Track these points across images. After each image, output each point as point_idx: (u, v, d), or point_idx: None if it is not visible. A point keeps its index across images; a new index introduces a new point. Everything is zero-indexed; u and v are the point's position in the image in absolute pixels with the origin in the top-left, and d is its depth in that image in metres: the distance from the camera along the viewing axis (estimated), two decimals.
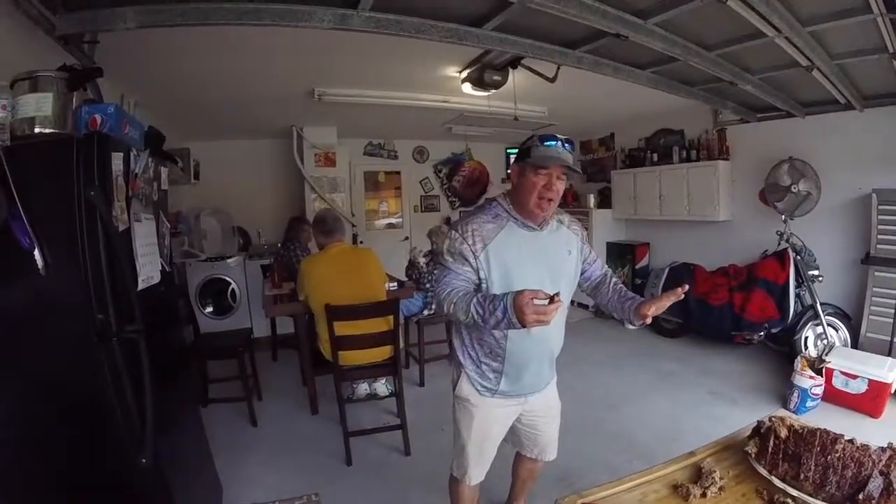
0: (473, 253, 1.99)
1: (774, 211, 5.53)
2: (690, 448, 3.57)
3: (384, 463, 3.63)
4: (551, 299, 1.66)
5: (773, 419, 1.64)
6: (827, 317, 5.00)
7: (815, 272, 5.18)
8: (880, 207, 4.75)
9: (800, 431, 1.51)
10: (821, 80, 4.18)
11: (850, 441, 1.46)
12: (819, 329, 5.03)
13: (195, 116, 5.50)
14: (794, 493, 1.37)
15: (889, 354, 4.53)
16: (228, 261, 6.29)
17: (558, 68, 3.99)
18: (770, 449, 1.48)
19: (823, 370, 4.37)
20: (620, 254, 7.40)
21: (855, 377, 4.27)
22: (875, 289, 4.83)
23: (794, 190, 5.30)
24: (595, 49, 3.63)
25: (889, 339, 4.69)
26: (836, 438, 1.46)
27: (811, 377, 4.30)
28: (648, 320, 2.09)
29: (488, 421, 2.29)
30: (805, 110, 5.36)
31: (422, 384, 4.93)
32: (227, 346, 4.34)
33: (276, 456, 3.74)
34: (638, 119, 6.96)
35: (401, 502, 3.20)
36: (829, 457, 1.40)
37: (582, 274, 2.32)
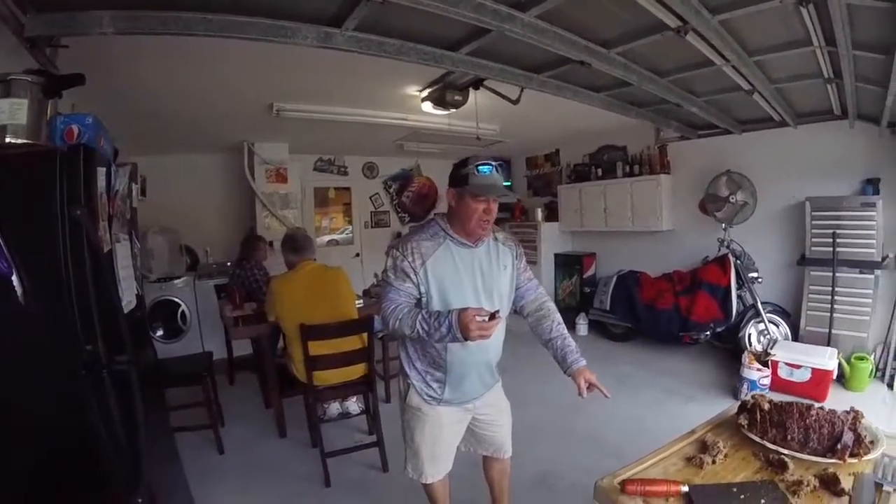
0: (414, 269, 2.03)
1: (714, 220, 5.82)
2: (657, 444, 3.73)
3: (363, 481, 3.50)
4: (492, 316, 1.81)
5: (755, 396, 1.84)
6: (768, 314, 5.29)
7: (755, 274, 5.45)
8: (813, 214, 5.05)
9: (779, 404, 1.74)
10: (760, 102, 4.41)
11: (821, 408, 1.69)
12: (761, 326, 5.31)
13: (145, 129, 5.16)
14: (786, 451, 1.57)
15: (828, 345, 4.82)
16: (177, 281, 5.95)
17: (522, 91, 3.99)
18: (758, 420, 1.70)
19: (769, 362, 4.61)
20: (568, 264, 7.55)
21: (798, 367, 4.55)
22: (811, 287, 5.13)
23: (732, 200, 5.60)
24: (558, 74, 3.73)
25: (827, 331, 4.98)
26: (810, 407, 1.69)
27: (759, 369, 4.55)
28: (582, 388, 2.12)
29: (439, 426, 2.31)
30: (742, 127, 5.68)
31: (388, 400, 4.76)
32: (191, 372, 4.01)
33: (251, 483, 3.53)
34: (582, 136, 7.13)
35: None
36: (807, 420, 1.63)
37: (517, 290, 2.35)
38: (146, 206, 5.92)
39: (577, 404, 4.52)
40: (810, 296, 5.12)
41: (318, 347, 3.39)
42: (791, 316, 5.33)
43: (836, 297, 4.92)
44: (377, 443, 3.59)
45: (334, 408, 4.21)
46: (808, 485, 1.40)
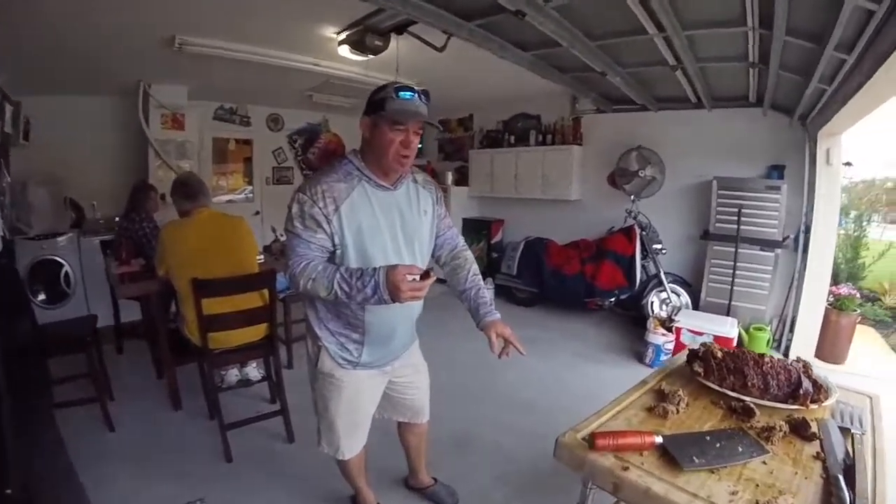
0: (326, 216, 1.74)
1: (621, 192, 5.92)
2: (576, 400, 3.71)
3: (268, 454, 3.13)
4: (425, 274, 1.60)
5: (705, 345, 1.79)
6: (670, 284, 5.45)
7: (659, 246, 5.60)
8: (720, 192, 5.24)
9: (731, 352, 1.70)
10: (681, 80, 4.46)
11: (771, 357, 1.67)
12: (663, 295, 5.47)
13: (36, 66, 4.42)
14: (748, 398, 1.52)
15: (727, 315, 5.08)
16: (60, 239, 5.13)
17: (448, 38, 3.70)
18: (714, 368, 1.64)
19: (673, 329, 4.74)
20: (476, 229, 7.44)
21: (701, 334, 4.67)
22: (713, 260, 5.33)
23: (641, 174, 5.72)
24: (488, 24, 3.48)
25: (726, 302, 5.22)
26: (762, 355, 1.66)
27: (663, 335, 4.67)
28: (494, 344, 1.93)
29: (356, 393, 2.09)
30: (658, 105, 5.74)
31: (290, 366, 4.34)
32: (74, 338, 3.37)
33: (146, 463, 3.03)
34: (497, 102, 7.02)
35: (295, 493, 2.80)
36: (764, 367, 1.60)
37: (436, 238, 2.14)
38: (29, 151, 5.09)
39: (490, 364, 4.40)
40: (712, 269, 5.33)
41: (213, 305, 2.92)
42: (692, 286, 5.51)
43: (737, 272, 5.15)
44: (281, 411, 3.25)
45: (232, 375, 3.82)
46: (779, 430, 1.37)
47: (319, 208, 1.73)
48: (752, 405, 1.49)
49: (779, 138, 5.14)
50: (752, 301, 5.15)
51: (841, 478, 1.18)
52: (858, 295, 5.21)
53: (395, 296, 1.58)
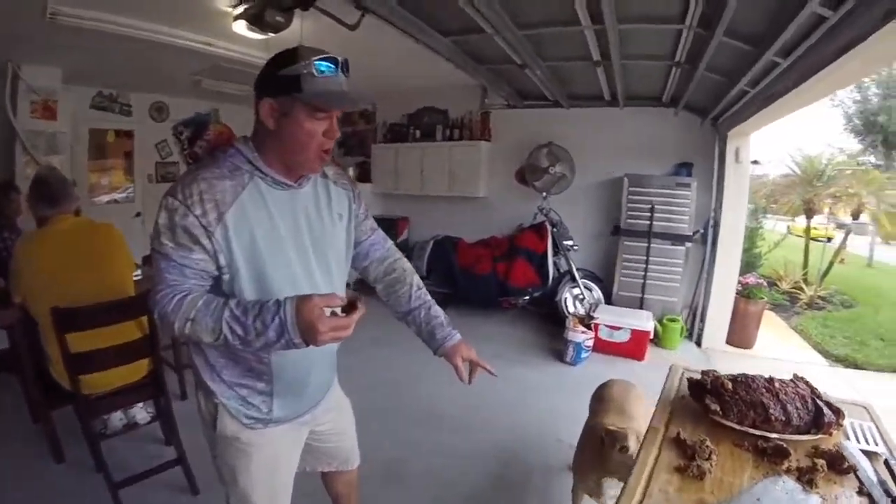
0: (205, 227, 1.22)
1: (530, 189, 5.81)
2: (500, 413, 3.44)
3: None
4: (352, 305, 1.15)
5: (710, 374, 1.57)
6: (582, 280, 5.39)
7: (570, 242, 5.53)
8: (630, 189, 5.29)
9: (738, 379, 1.49)
10: (600, 77, 4.41)
11: (780, 380, 1.49)
12: (576, 291, 5.41)
13: None
14: (773, 435, 1.34)
15: (640, 308, 5.17)
16: None
17: (363, 15, 3.30)
18: (731, 402, 1.43)
19: (592, 325, 4.69)
20: (383, 228, 6.91)
21: (619, 328, 4.71)
22: (624, 255, 5.38)
23: (551, 171, 5.63)
24: (407, 2, 3.18)
25: (639, 295, 5.30)
26: (771, 379, 1.48)
27: (583, 332, 4.59)
28: (462, 372, 1.57)
29: (273, 457, 1.56)
30: (571, 102, 5.67)
31: (183, 396, 3.53)
32: None
33: None
34: (403, 95, 6.67)
35: None
36: (780, 395, 1.41)
37: (356, 246, 1.63)
38: None
39: (404, 382, 4.10)
40: (623, 264, 5.37)
41: (81, 341, 2.27)
42: (603, 281, 5.50)
43: (649, 266, 5.23)
44: (178, 460, 2.62)
45: (116, 419, 3.05)
46: (820, 469, 1.20)
47: (196, 217, 1.20)
48: (783, 444, 1.29)
49: (688, 137, 5.28)
50: (664, 293, 5.24)
51: None
52: (766, 284, 5.54)
53: (309, 338, 1.12)
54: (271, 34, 3.50)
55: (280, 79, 1.23)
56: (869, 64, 2.66)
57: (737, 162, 4.97)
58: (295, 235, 1.36)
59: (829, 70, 2.50)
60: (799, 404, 1.38)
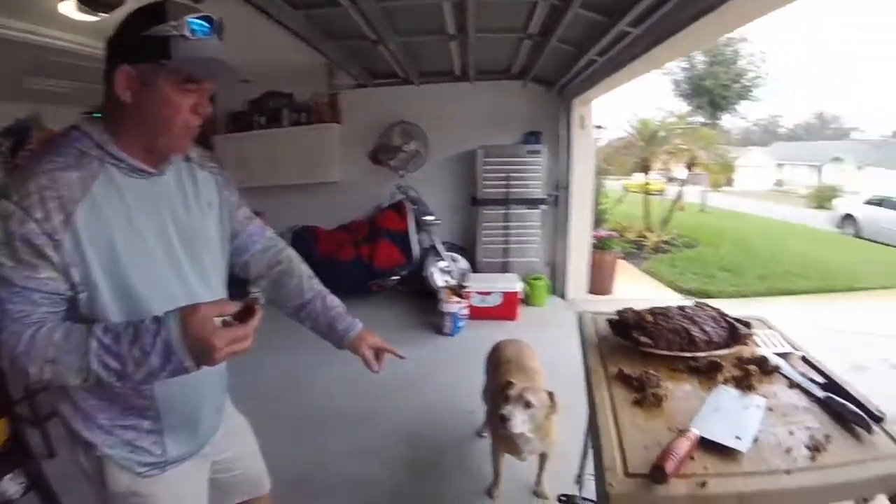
0: (50, 235, 0.92)
1: (385, 168, 5.77)
2: (395, 397, 3.43)
3: None
4: (247, 311, 0.96)
5: (627, 311, 1.59)
6: (447, 252, 5.47)
7: (431, 217, 5.54)
8: (485, 160, 5.45)
9: (656, 312, 1.56)
10: (453, 52, 4.42)
11: (688, 306, 1.60)
12: (442, 264, 5.47)
13: None
14: (702, 354, 1.42)
15: (505, 271, 5.38)
16: None
17: None
18: (655, 333, 1.48)
19: (464, 294, 4.80)
20: None
21: (489, 293, 4.88)
22: (484, 223, 5.56)
23: (405, 149, 5.65)
24: None
25: (502, 259, 5.50)
26: (682, 307, 1.58)
27: (457, 302, 4.68)
28: (371, 361, 1.43)
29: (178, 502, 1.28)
30: (422, 79, 5.64)
31: (51, 454, 2.81)
32: None
33: None
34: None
35: None
36: (695, 319, 1.51)
37: (233, 239, 1.38)
38: None
39: (291, 383, 3.87)
40: (484, 232, 5.54)
41: None
42: (467, 251, 5.62)
43: (509, 231, 5.44)
44: None
45: None
46: (754, 374, 1.30)
47: (36, 222, 0.91)
48: (715, 360, 1.38)
49: (535, 107, 5.55)
50: (526, 255, 5.49)
51: (835, 396, 1.16)
52: (617, 235, 5.99)
53: (203, 358, 0.92)
54: (104, 15, 3.07)
55: (142, 41, 0.97)
56: (721, 28, 2.88)
57: (582, 128, 5.33)
58: (161, 234, 1.10)
59: (680, 36, 2.65)
60: (713, 324, 1.49)
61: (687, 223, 11.41)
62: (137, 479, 1.16)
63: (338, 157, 6.06)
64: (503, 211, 5.43)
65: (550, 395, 2.12)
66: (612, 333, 1.58)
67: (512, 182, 5.34)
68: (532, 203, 5.42)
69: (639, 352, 1.46)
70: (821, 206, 18.05)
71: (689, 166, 10.80)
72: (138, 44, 0.97)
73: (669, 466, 0.90)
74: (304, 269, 1.47)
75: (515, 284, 4.96)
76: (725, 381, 1.30)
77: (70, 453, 1.19)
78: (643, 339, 1.45)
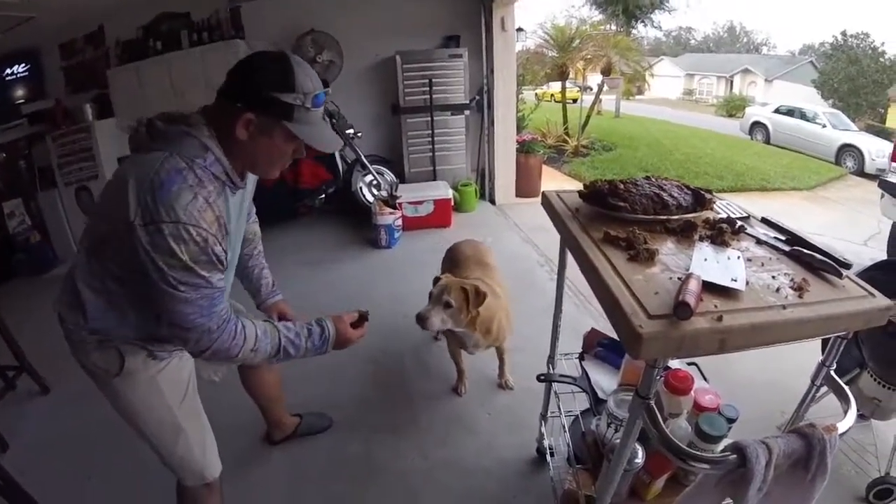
0: (224, 249, 1.22)
1: None
2: (370, 304, 3.53)
3: None
4: (361, 318, 1.57)
5: (594, 183, 1.64)
6: (373, 166, 5.34)
7: (352, 130, 5.33)
8: (405, 66, 5.34)
9: (626, 181, 1.62)
10: None
11: (652, 175, 1.67)
12: (369, 178, 5.38)
13: None
14: (675, 217, 1.48)
15: (435, 180, 5.50)
16: None
17: None
18: (630, 199, 1.54)
19: (397, 205, 4.85)
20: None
21: (421, 202, 4.97)
22: (409, 132, 5.54)
23: (318, 60, 5.39)
24: None
25: (431, 168, 5.60)
26: (648, 177, 1.65)
27: (390, 213, 4.72)
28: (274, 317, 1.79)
29: (179, 375, 1.54)
30: None
31: (4, 446, 2.70)
32: None
33: None
34: (131, 5, 5.69)
35: None
36: (663, 186, 1.57)
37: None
38: None
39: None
40: (409, 141, 5.51)
41: None
42: (393, 163, 5.56)
43: (435, 138, 5.45)
44: None
45: None
46: (726, 230, 1.37)
47: (220, 244, 1.19)
48: (689, 220, 1.44)
49: (453, 10, 5.47)
50: (453, 162, 5.55)
51: (802, 249, 1.22)
52: (540, 139, 6.24)
53: (339, 348, 1.48)
54: None
55: (270, 100, 1.18)
56: None
57: (503, 30, 5.31)
58: (237, 233, 1.43)
59: None
60: (678, 191, 1.55)
61: (603, 128, 11.88)
62: (150, 361, 1.43)
63: None
64: (427, 118, 5.38)
65: (475, 289, 2.20)
66: (586, 204, 1.62)
67: (434, 88, 5.28)
68: (456, 109, 5.40)
69: (614, 218, 1.50)
70: (731, 115, 19.06)
71: (605, 72, 11.16)
72: (266, 101, 1.18)
73: (690, 300, 0.96)
74: (259, 245, 1.86)
75: (446, 191, 5.01)
76: (701, 239, 1.36)
77: (80, 360, 1.42)
78: (621, 203, 1.51)
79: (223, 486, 1.73)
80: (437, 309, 2.13)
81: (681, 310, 0.95)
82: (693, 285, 1.01)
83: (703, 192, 1.56)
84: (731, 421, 1.31)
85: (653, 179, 1.61)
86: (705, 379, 1.69)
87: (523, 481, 2.23)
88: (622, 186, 1.55)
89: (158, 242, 1.10)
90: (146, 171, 1.13)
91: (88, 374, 1.42)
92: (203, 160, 1.19)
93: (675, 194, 1.53)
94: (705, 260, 1.20)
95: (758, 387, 2.51)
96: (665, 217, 1.47)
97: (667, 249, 1.31)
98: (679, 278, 1.10)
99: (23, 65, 5.88)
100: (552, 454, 2.09)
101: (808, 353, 1.51)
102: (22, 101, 5.90)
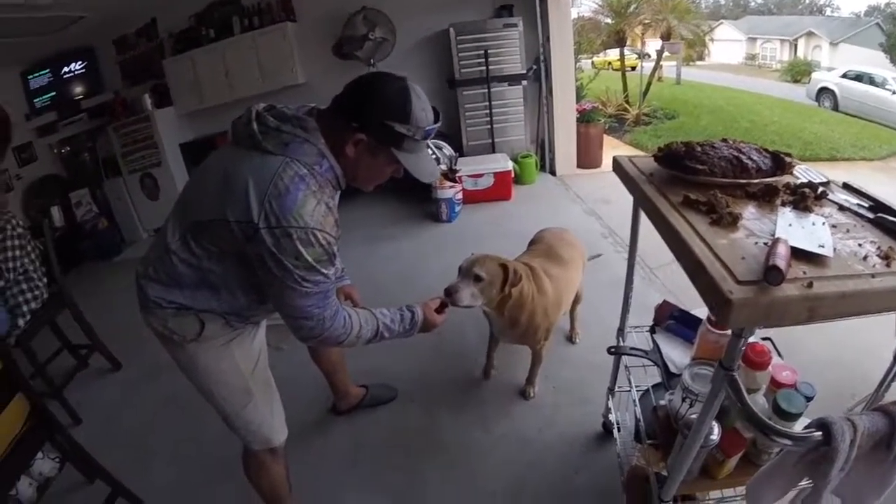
0: (337, 248, 1.37)
1: (352, 61, 5.55)
2: (396, 289, 3.63)
3: None
4: (443, 304, 1.79)
5: (669, 145, 1.59)
6: (432, 140, 5.39)
7: None
8: (459, 38, 5.29)
9: (703, 143, 1.56)
10: None
11: (730, 138, 1.60)
12: (427, 152, 5.41)
13: None
14: (755, 181, 1.43)
15: (493, 152, 5.45)
16: None
17: None
18: (708, 162, 1.49)
19: (457, 178, 4.85)
20: (200, 152, 5.96)
21: (481, 175, 4.95)
22: (466, 105, 5.51)
23: (371, 37, 5.41)
24: None
25: (489, 140, 5.55)
26: (724, 139, 1.58)
27: (451, 187, 4.74)
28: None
29: (252, 343, 1.65)
30: None
31: (77, 420, 2.93)
32: None
33: None
34: None
35: None
36: (742, 149, 1.50)
37: None
38: None
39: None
40: (467, 114, 5.49)
41: None
42: (450, 137, 5.52)
43: (492, 110, 5.41)
44: (115, 489, 2.23)
45: (24, 487, 2.30)
46: (809, 195, 1.32)
47: (336, 240, 1.32)
48: (771, 184, 1.38)
49: None
50: (512, 134, 5.51)
51: (886, 216, 1.17)
52: (601, 107, 6.10)
53: (425, 331, 1.67)
54: None
55: (385, 127, 1.27)
56: None
57: None
58: None
59: None
60: (757, 154, 1.50)
61: (664, 96, 11.54)
62: (227, 328, 1.51)
63: (299, 57, 5.82)
64: (484, 90, 5.36)
65: (513, 268, 2.11)
66: (661, 167, 1.58)
67: (490, 59, 5.24)
68: (513, 79, 5.34)
69: (691, 181, 1.47)
70: (795, 81, 18.17)
71: (664, 37, 10.83)
72: (380, 127, 1.27)
73: (783, 266, 0.93)
74: None
75: (506, 163, 5.00)
76: (783, 205, 1.31)
77: (157, 326, 1.47)
78: (699, 166, 1.47)
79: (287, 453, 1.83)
80: (467, 282, 2.06)
81: (772, 275, 0.92)
82: (782, 250, 0.97)
83: (782, 156, 1.50)
84: (808, 399, 1.25)
85: (730, 142, 1.55)
86: (779, 355, 1.62)
87: (586, 457, 2.23)
88: (699, 149, 1.51)
89: (285, 245, 1.21)
90: (266, 176, 1.22)
91: (161, 338, 1.50)
92: (320, 166, 1.30)
93: (755, 157, 1.48)
94: (790, 225, 1.17)
95: (825, 365, 2.39)
96: (745, 181, 1.43)
97: (749, 214, 1.27)
98: (765, 243, 1.07)
99: (79, 62, 6.16)
100: (619, 429, 2.07)
101: (877, 333, 1.49)
102: (81, 96, 6.20)
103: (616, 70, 10.38)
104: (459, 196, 4.81)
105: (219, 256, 1.34)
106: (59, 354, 3.29)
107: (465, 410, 2.57)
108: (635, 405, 1.77)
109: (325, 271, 1.29)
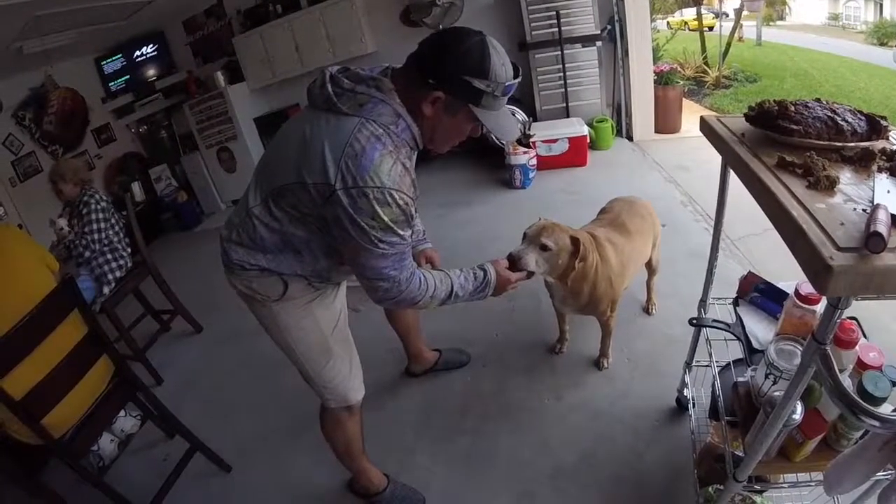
0: (416, 207, 1.40)
1: (420, 28, 5.57)
2: (472, 253, 3.67)
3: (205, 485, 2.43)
4: (513, 264, 1.81)
5: (762, 104, 1.53)
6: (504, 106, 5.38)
7: None
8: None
9: (797, 102, 1.49)
10: None
11: (823, 98, 1.53)
12: (507, 109, 5.39)
13: None
14: (851, 144, 1.37)
15: (568, 116, 5.39)
16: None
17: None
18: (803, 122, 1.42)
19: (530, 143, 4.84)
20: (273, 124, 6.39)
21: (555, 141, 4.94)
22: (538, 69, 5.46)
23: (438, 3, 5.40)
24: None
25: (563, 105, 5.48)
26: (818, 99, 1.52)
27: (525, 153, 4.75)
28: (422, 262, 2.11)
29: (333, 303, 1.72)
30: None
31: (159, 381, 3.25)
32: None
33: None
34: None
35: None
36: (837, 110, 1.45)
37: None
38: None
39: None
40: (539, 77, 5.46)
41: (21, 378, 1.76)
42: (523, 102, 5.51)
43: (566, 73, 5.34)
44: (193, 446, 2.38)
45: (107, 443, 2.64)
46: None
47: (413, 201, 1.35)
48: (867, 147, 1.32)
49: None
50: (586, 98, 5.46)
51: None
52: (679, 68, 5.89)
53: (498, 293, 1.66)
54: None
55: (463, 83, 1.25)
56: None
57: None
58: None
59: None
60: (851, 116, 1.43)
61: (745, 58, 11.00)
62: (309, 288, 1.57)
63: (367, 27, 5.89)
64: (556, 53, 5.27)
65: (574, 240, 2.06)
66: (753, 127, 1.54)
67: (562, 20, 5.14)
68: (587, 41, 5.24)
69: (784, 143, 1.42)
70: (882, 44, 17.06)
71: None
72: (458, 83, 1.25)
73: (885, 232, 0.89)
74: None
75: (581, 128, 4.96)
76: (880, 171, 1.25)
77: (241, 288, 1.56)
78: (794, 127, 1.42)
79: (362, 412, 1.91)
80: (532, 249, 2.00)
81: (873, 242, 0.89)
82: (883, 216, 0.94)
83: (878, 119, 1.43)
84: (894, 384, 1.19)
85: (824, 102, 1.49)
86: (865, 335, 1.53)
87: (657, 432, 2.23)
88: (793, 108, 1.45)
89: (362, 206, 1.23)
90: (342, 137, 1.24)
91: (245, 298, 1.58)
92: (396, 126, 1.30)
93: (850, 119, 1.42)
94: (888, 192, 1.12)
95: None
96: (840, 144, 1.38)
97: (845, 179, 1.23)
98: (864, 210, 1.04)
99: (151, 45, 6.61)
100: (694, 405, 2.05)
101: None
102: (154, 78, 6.64)
103: (693, 30, 9.95)
104: (533, 162, 4.83)
105: (300, 220, 1.37)
106: (142, 319, 3.60)
107: (538, 378, 2.61)
108: (715, 380, 1.74)
109: (401, 232, 1.31)
